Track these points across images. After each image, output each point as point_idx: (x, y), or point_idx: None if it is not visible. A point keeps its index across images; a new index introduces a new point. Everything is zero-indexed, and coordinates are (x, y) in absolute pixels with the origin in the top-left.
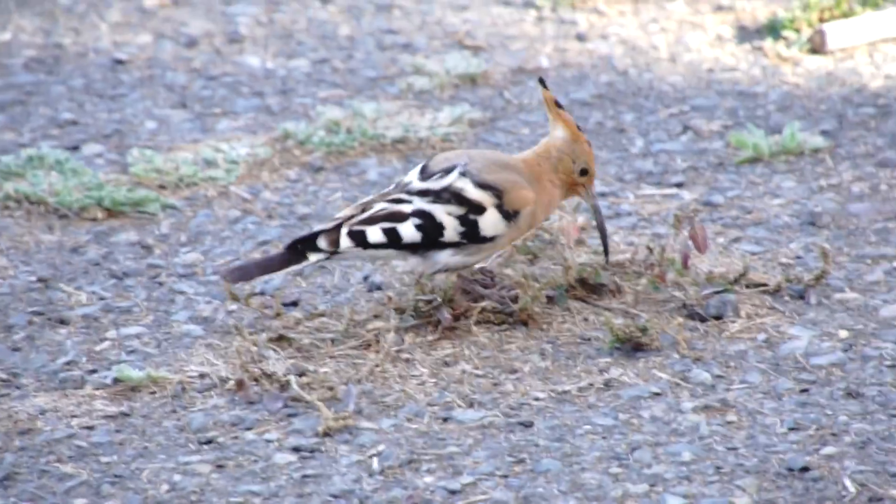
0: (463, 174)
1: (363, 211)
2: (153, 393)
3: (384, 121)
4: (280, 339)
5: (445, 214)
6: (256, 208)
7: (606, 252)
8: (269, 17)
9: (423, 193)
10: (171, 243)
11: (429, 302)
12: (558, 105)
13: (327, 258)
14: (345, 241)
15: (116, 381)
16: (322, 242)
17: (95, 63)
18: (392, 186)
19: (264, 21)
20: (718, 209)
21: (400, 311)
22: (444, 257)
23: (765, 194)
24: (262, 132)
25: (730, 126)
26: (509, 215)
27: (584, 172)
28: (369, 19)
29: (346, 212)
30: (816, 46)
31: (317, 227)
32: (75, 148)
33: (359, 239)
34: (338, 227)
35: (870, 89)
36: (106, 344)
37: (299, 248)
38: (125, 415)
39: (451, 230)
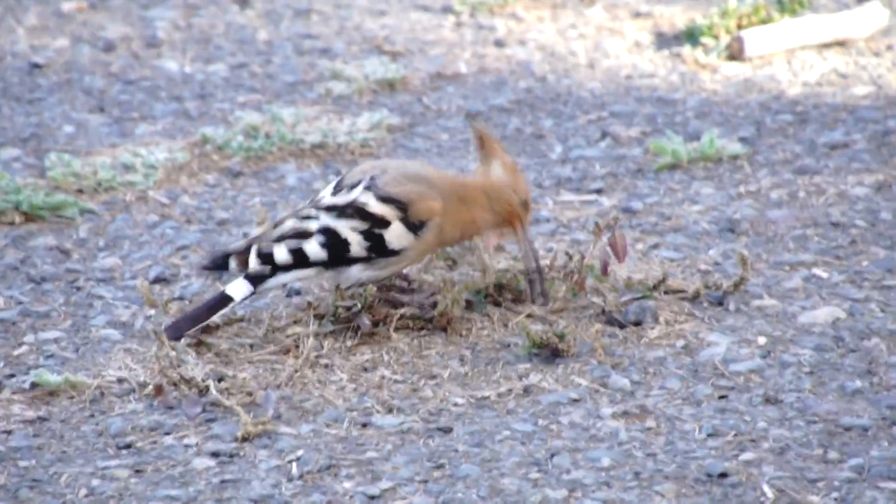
0: (368, 188)
1: (275, 229)
2: (71, 398)
3: (303, 126)
4: (199, 344)
5: (349, 230)
6: (175, 213)
7: (545, 295)
8: (188, 21)
9: (329, 209)
10: (89, 248)
11: (348, 308)
12: (483, 141)
13: (252, 294)
14: (254, 263)
15: (34, 385)
16: (232, 264)
17: (12, 67)
18: (308, 202)
19: (182, 25)
20: (637, 215)
21: (319, 316)
22: (356, 272)
23: (683, 201)
24: (180, 137)
25: (648, 133)
26: (415, 227)
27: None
28: (287, 24)
29: (258, 231)
30: (735, 53)
31: (230, 247)
32: None
33: (267, 259)
34: (248, 248)
35: (788, 96)
36: (24, 348)
37: (210, 270)
38: (43, 419)
39: (357, 245)
